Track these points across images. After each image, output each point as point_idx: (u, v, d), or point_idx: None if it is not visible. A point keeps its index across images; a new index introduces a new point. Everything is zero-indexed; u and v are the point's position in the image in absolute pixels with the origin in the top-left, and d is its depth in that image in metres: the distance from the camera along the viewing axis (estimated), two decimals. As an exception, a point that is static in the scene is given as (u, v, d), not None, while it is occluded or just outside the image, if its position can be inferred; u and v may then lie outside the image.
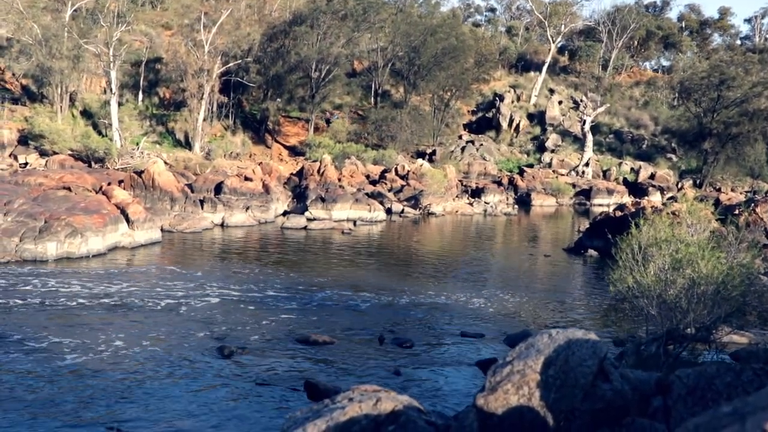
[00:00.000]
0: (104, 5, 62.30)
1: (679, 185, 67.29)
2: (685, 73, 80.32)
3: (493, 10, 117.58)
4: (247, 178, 42.61)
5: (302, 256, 32.07)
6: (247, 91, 68.33)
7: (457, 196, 54.08)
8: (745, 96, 65.95)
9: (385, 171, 56.00)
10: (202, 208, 38.83)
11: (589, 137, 68.97)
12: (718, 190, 65.58)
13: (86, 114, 60.18)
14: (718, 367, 8.60)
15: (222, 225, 38.60)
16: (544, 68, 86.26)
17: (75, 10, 61.86)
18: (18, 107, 58.23)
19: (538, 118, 79.69)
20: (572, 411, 7.47)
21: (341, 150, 58.66)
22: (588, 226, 38.40)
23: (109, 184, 37.14)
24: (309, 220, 41.07)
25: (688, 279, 14.13)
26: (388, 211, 46.83)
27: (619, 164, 71.80)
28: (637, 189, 64.49)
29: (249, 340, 18.21)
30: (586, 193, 62.06)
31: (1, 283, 22.95)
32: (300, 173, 49.08)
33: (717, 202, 42.12)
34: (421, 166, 53.87)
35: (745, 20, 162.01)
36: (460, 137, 74.56)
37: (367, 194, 46.96)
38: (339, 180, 47.31)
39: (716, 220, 22.19)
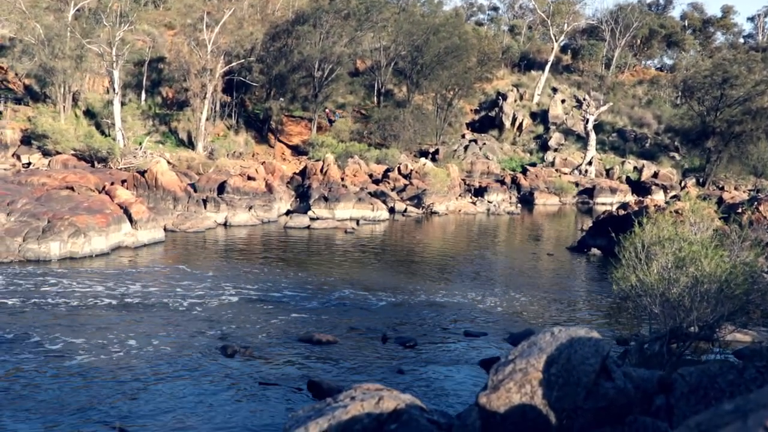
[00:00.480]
0: (107, 5, 62.33)
1: (683, 184, 67.22)
2: (688, 72, 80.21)
3: (495, 8, 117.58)
4: (250, 178, 42.63)
5: (305, 256, 32.07)
6: (250, 91, 68.35)
7: (460, 195, 54.07)
8: (748, 94, 65.89)
9: (388, 170, 56.00)
10: (205, 207, 38.85)
11: (592, 136, 68.92)
12: (722, 188, 65.52)
13: (89, 114, 60.23)
14: (721, 366, 8.60)
15: (225, 224, 38.62)
16: (547, 67, 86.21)
17: (78, 10, 61.91)
18: (21, 107, 58.31)
19: (541, 116, 79.65)
20: (575, 409, 7.47)
21: (344, 149, 58.67)
22: (591, 224, 38.38)
23: (112, 183, 37.18)
24: (312, 219, 41.07)
25: (692, 277, 14.13)
26: (391, 211, 46.84)
27: (622, 163, 71.74)
28: (640, 188, 64.43)
29: (252, 340, 18.22)
30: (589, 192, 62.03)
31: (5, 283, 22.98)
32: (303, 172, 49.09)
33: (720, 201, 42.06)
34: (424, 165, 53.87)
35: (748, 18, 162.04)
36: (463, 136, 74.57)
37: (370, 193, 46.98)
38: (342, 179, 47.31)
39: (719, 218, 22.17)
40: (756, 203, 33.10)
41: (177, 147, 59.15)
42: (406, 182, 52.45)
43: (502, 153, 72.56)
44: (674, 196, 49.84)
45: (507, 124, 78.01)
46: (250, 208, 40.45)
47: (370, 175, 54.46)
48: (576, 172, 67.62)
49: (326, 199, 42.96)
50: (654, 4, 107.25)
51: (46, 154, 52.53)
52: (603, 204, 58.42)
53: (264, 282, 25.34)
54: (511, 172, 65.00)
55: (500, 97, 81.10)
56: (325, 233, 38.32)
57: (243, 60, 62.36)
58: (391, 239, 38.37)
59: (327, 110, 70.16)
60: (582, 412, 7.48)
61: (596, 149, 70.10)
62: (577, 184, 63.13)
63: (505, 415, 7.20)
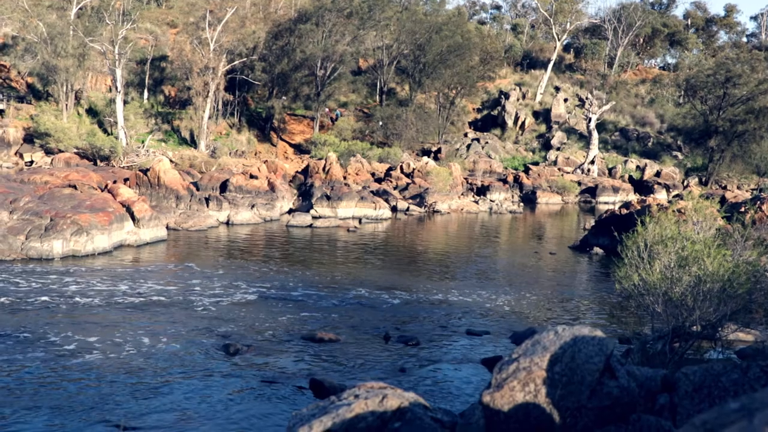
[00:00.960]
0: (109, 3, 62.47)
1: (685, 183, 67.22)
2: (691, 71, 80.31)
3: (498, 7, 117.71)
4: (252, 176, 42.64)
5: (307, 254, 32.07)
6: (252, 89, 68.43)
7: (462, 194, 54.08)
8: (751, 93, 65.87)
9: (390, 169, 56.04)
10: (208, 206, 38.87)
11: (595, 135, 68.90)
12: (724, 187, 65.52)
13: (92, 112, 60.31)
14: (725, 365, 8.59)
15: (227, 223, 38.65)
16: (550, 66, 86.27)
17: (80, 8, 62.01)
18: (23, 105, 58.39)
19: (543, 115, 79.68)
20: (578, 408, 7.46)
21: (346, 148, 58.74)
22: (593, 223, 38.35)
23: (114, 182, 37.22)
24: (314, 218, 41.10)
25: (694, 277, 14.11)
26: (394, 209, 46.88)
27: (625, 162, 71.73)
28: (642, 187, 64.40)
29: (255, 338, 18.22)
30: (592, 191, 62.00)
31: (8, 281, 23.00)
32: (305, 171, 49.10)
33: (723, 200, 42.03)
34: (426, 164, 53.91)
35: (751, 18, 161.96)
36: (466, 135, 74.63)
37: (372, 192, 47.01)
38: (344, 178, 47.31)
39: (722, 217, 22.11)
40: (759, 202, 33.04)
41: (179, 145, 59.21)
42: (409, 181, 52.49)
43: (504, 152, 72.59)
44: (677, 195, 49.73)
45: (509, 122, 78.05)
46: (253, 206, 40.46)
47: (373, 174, 54.50)
48: (578, 171, 67.62)
49: (328, 198, 42.98)
50: (657, 3, 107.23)
51: (48, 152, 52.59)
52: (605, 203, 58.44)
53: (266, 280, 25.35)
54: (514, 171, 65.01)
55: (503, 96, 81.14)
56: (327, 232, 38.33)
57: (245, 58, 62.42)
58: (394, 238, 38.37)
59: (327, 110, 70.17)
60: (586, 411, 7.47)
61: (599, 148, 70.09)
62: (579, 183, 63.11)
63: (508, 413, 7.20)
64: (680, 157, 74.98)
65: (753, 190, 64.37)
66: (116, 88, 56.83)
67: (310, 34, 63.08)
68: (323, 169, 46.41)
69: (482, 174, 63.57)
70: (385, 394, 7.37)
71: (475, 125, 79.73)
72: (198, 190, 40.60)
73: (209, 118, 59.87)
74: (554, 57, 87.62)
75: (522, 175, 62.31)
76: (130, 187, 36.70)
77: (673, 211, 26.79)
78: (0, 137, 53.46)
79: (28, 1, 58.69)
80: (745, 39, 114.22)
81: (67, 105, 57.55)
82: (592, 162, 68.17)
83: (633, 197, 56.01)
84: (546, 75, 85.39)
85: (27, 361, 15.72)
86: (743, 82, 66.37)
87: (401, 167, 55.16)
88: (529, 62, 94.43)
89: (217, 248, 32.35)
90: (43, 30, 55.84)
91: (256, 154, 61.29)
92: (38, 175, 38.26)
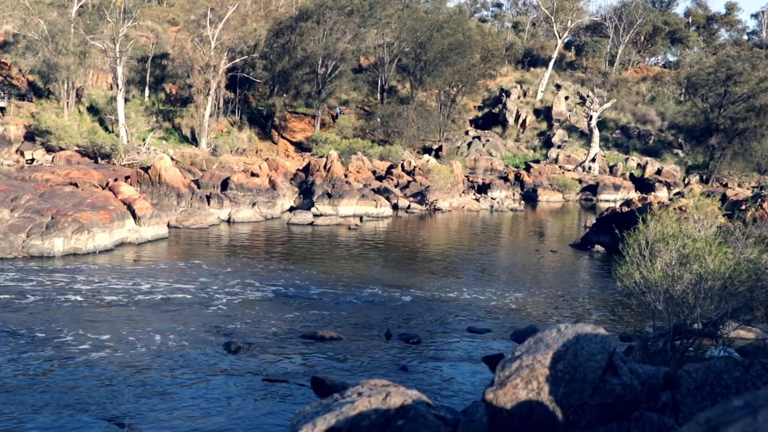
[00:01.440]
0: (110, 1, 62.43)
1: (686, 181, 67.21)
2: (692, 69, 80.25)
3: (499, 5, 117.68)
4: (253, 174, 42.64)
5: (309, 252, 32.08)
6: (253, 87, 68.45)
7: (463, 192, 54.09)
8: (752, 91, 65.86)
9: (391, 167, 56.05)
10: (209, 203, 38.87)
11: (596, 133, 68.90)
12: (725, 185, 65.49)
13: (93, 110, 60.33)
14: (727, 362, 8.60)
15: (228, 221, 38.66)
16: (551, 64, 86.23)
17: (81, 6, 62.00)
18: (24, 103, 58.42)
19: (544, 113, 79.67)
20: (581, 405, 7.47)
21: (347, 146, 58.74)
22: (594, 221, 38.36)
23: (115, 180, 37.25)
24: (315, 215, 41.10)
25: (695, 274, 14.12)
26: (395, 207, 46.89)
27: (626, 160, 71.74)
28: (643, 184, 64.37)
29: (256, 336, 18.23)
30: (593, 189, 61.98)
31: (10, 279, 23.02)
32: (306, 169, 49.09)
33: (724, 198, 42.03)
34: (427, 161, 53.90)
35: (752, 15, 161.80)
36: (467, 133, 74.64)
37: (373, 190, 47.00)
38: (345, 176, 47.31)
39: (723, 215, 22.12)
40: (760, 200, 33.04)
41: (180, 143, 59.23)
42: (410, 179, 52.49)
43: (505, 150, 72.60)
44: (678, 193, 49.75)
45: (510, 120, 78.04)
46: (254, 204, 40.48)
47: (374, 172, 54.50)
48: (579, 168, 67.61)
49: (329, 196, 42.97)
50: (658, 1, 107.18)
51: (49, 150, 52.62)
52: (606, 201, 58.43)
53: (267, 278, 25.36)
54: (515, 169, 64.99)
55: (504, 94, 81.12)
56: (328, 230, 38.35)
57: (246, 56, 62.43)
58: (395, 236, 38.37)
59: (327, 108, 70.16)
60: (588, 409, 7.48)
61: (600, 146, 70.09)
62: (580, 181, 63.09)
63: (511, 411, 7.21)
64: (681, 154, 74.97)
65: (754, 187, 64.31)
66: (117, 85, 56.85)
67: (311, 31, 63.06)
68: (324, 167, 46.39)
69: (483, 172, 63.60)
70: (388, 391, 7.38)
71: (476, 123, 79.73)
72: (199, 188, 40.60)
73: (210, 116, 59.89)
74: (555, 55, 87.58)
75: (523, 173, 62.28)
76: (131, 185, 36.72)
77: (674, 208, 26.80)
78: (1, 135, 53.48)
79: (29, -1, 58.73)
80: (745, 37, 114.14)
81: (68, 103, 57.57)
82: (593, 160, 68.16)
83: (634, 195, 56.03)
84: (547, 73, 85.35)
85: (29, 359, 15.73)
86: (744, 80, 66.36)
87: (402, 165, 55.17)
88: (530, 60, 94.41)
89: (218, 246, 32.36)
90: (44, 28, 55.85)
91: (257, 152, 61.31)
92: (39, 173, 38.30)
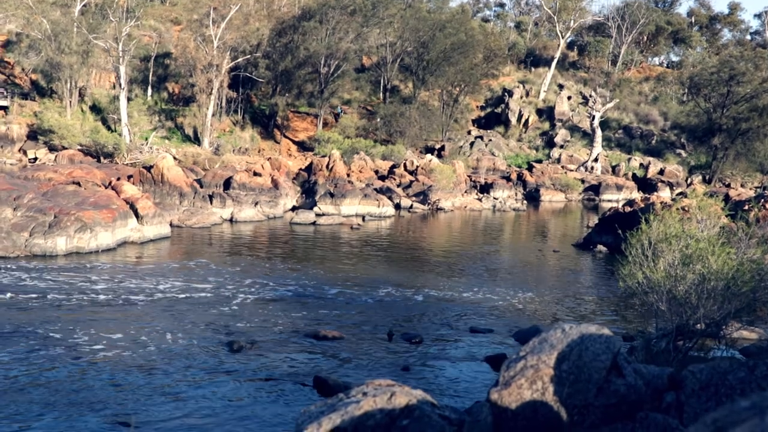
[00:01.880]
0: (113, 0, 62.44)
1: (689, 181, 67.18)
2: (695, 69, 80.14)
3: (502, 5, 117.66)
4: (256, 174, 42.64)
5: (311, 252, 32.09)
6: (255, 87, 68.48)
7: (465, 192, 54.10)
8: (754, 91, 65.81)
9: (393, 166, 56.06)
10: (211, 203, 38.89)
11: (598, 133, 68.85)
12: (728, 185, 65.40)
13: (95, 109, 60.38)
14: (731, 363, 8.59)
15: (231, 220, 38.66)
16: (553, 64, 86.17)
17: (84, 5, 62.04)
18: (27, 102, 58.50)
19: (547, 113, 79.64)
20: (586, 406, 7.47)
21: (350, 145, 58.73)
22: (597, 221, 38.34)
23: (118, 179, 37.27)
24: (318, 215, 41.08)
25: (698, 275, 14.12)
26: (397, 207, 46.89)
27: (629, 160, 71.72)
28: (646, 184, 64.36)
29: (258, 335, 18.23)
30: (595, 189, 61.95)
31: (12, 278, 23.03)
32: (309, 168, 49.08)
33: (727, 198, 41.97)
34: (429, 161, 53.90)
35: (755, 15, 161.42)
36: (469, 133, 74.63)
37: (375, 190, 46.99)
38: (348, 175, 47.29)
39: (726, 215, 22.10)
40: (763, 200, 32.99)
41: (183, 143, 59.27)
42: (412, 178, 52.50)
43: (507, 149, 72.58)
44: (680, 193, 49.72)
45: (513, 120, 78.02)
46: (256, 203, 40.48)
47: (376, 172, 54.52)
48: (582, 168, 67.59)
49: (332, 195, 42.97)
50: (661, 1, 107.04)
51: (52, 149, 52.67)
52: (609, 201, 58.39)
53: (270, 278, 25.37)
54: (517, 169, 64.94)
55: (506, 94, 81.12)
56: (330, 229, 38.35)
57: (249, 56, 62.48)
58: (397, 235, 38.37)
59: (329, 107, 70.17)
60: (593, 409, 7.48)
61: (602, 146, 70.05)
62: (583, 181, 63.07)
63: (516, 411, 7.21)
64: (684, 155, 74.93)
65: (757, 188, 64.28)
66: (120, 85, 56.90)
67: (313, 31, 63.07)
68: (327, 166, 46.38)
69: (486, 172, 63.62)
70: (393, 391, 7.38)
71: (479, 123, 79.73)
72: (201, 187, 40.60)
73: (213, 115, 59.93)
74: (558, 55, 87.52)
75: (525, 172, 62.23)
76: (133, 184, 36.73)
77: (677, 209, 26.81)
78: (4, 134, 53.54)
79: (32, -2, 58.76)
80: (748, 37, 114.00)
81: (70, 102, 57.63)
82: (596, 160, 68.13)
83: (636, 195, 56.00)
84: (549, 73, 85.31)
85: (31, 359, 15.74)
86: (747, 80, 66.31)
87: (405, 165, 55.18)
88: (533, 60, 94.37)
89: (220, 246, 32.37)
90: (47, 27, 55.88)
91: (259, 152, 61.33)
92: (42, 171, 38.34)
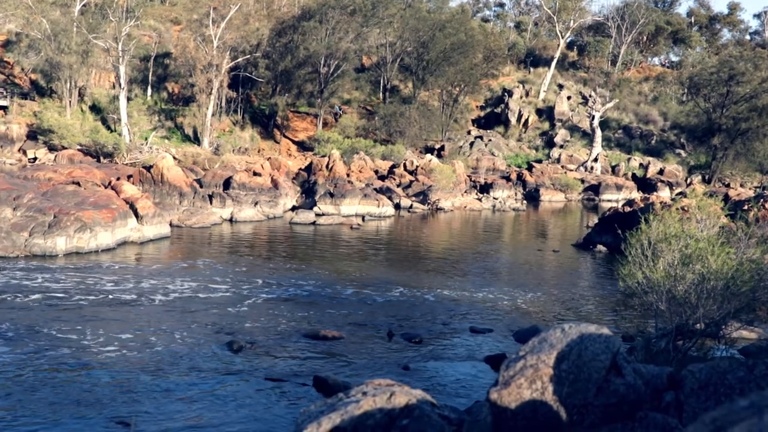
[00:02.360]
0: (113, 0, 62.41)
1: (688, 181, 67.17)
2: (695, 69, 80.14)
3: (502, 5, 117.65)
4: (255, 174, 42.64)
5: (311, 252, 32.10)
6: (255, 87, 68.48)
7: (465, 192, 54.10)
8: (754, 91, 65.79)
9: (393, 166, 56.06)
10: (211, 203, 38.89)
11: (598, 133, 68.85)
12: (727, 185, 65.37)
13: (95, 109, 60.37)
14: (730, 362, 8.60)
15: (231, 220, 38.66)
16: (553, 64, 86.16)
17: (84, 5, 62.03)
18: (27, 102, 58.49)
19: (546, 113, 79.63)
20: (585, 405, 7.48)
21: (350, 145, 58.72)
22: (597, 221, 38.35)
23: (118, 179, 37.26)
24: (317, 215, 41.08)
25: (698, 274, 14.12)
26: (397, 207, 46.88)
27: (628, 160, 71.73)
28: (646, 184, 64.34)
29: (258, 335, 18.25)
30: (595, 189, 61.94)
31: (12, 278, 23.04)
32: (308, 168, 49.07)
33: (726, 198, 41.96)
34: (429, 161, 53.90)
35: (755, 16, 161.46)
36: (469, 133, 74.62)
37: (375, 189, 46.98)
38: (347, 175, 47.27)
39: (726, 215, 22.10)
40: (762, 200, 33.00)
41: (183, 142, 59.27)
42: (412, 178, 52.51)
43: (507, 149, 72.59)
44: (680, 193, 49.71)
45: (513, 120, 78.02)
46: (256, 203, 40.48)
47: (376, 172, 54.51)
48: (581, 168, 67.60)
49: (332, 195, 42.97)
50: (660, 1, 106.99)
51: (51, 149, 52.66)
52: (608, 201, 58.37)
53: (269, 278, 25.37)
54: (517, 169, 64.91)
55: (506, 94, 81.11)
56: (330, 229, 38.35)
57: (249, 56, 62.48)
58: (397, 235, 38.39)
59: (328, 107, 70.15)
60: (592, 408, 7.49)
61: (602, 146, 70.04)
62: (582, 181, 63.05)
63: (516, 410, 7.22)
64: (683, 154, 74.94)
65: (756, 187, 64.28)
66: (120, 85, 56.90)
67: (313, 31, 63.07)
68: (326, 166, 46.38)
69: (485, 172, 63.63)
70: (392, 391, 7.38)
71: (479, 123, 79.72)
72: (201, 187, 40.60)
73: (212, 115, 59.93)
74: (557, 55, 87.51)
75: (525, 172, 62.21)
76: (133, 184, 36.73)
77: (677, 208, 26.82)
78: (3, 134, 53.53)
79: (31, -2, 58.76)
80: (748, 37, 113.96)
81: (70, 102, 57.62)
82: (596, 160, 68.13)
83: (636, 195, 55.96)
84: (549, 73, 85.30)
85: (31, 359, 15.75)
86: (746, 80, 66.31)
87: (404, 165, 55.18)
88: (533, 60, 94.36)
89: (220, 246, 32.38)
90: (47, 27, 55.87)
91: (259, 152, 61.33)
92: (42, 171, 38.34)
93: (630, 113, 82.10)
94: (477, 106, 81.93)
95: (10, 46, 63.58)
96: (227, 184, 41.43)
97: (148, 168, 39.47)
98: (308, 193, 44.89)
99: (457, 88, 71.11)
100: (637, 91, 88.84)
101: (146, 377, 14.92)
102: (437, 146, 67.27)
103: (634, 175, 67.97)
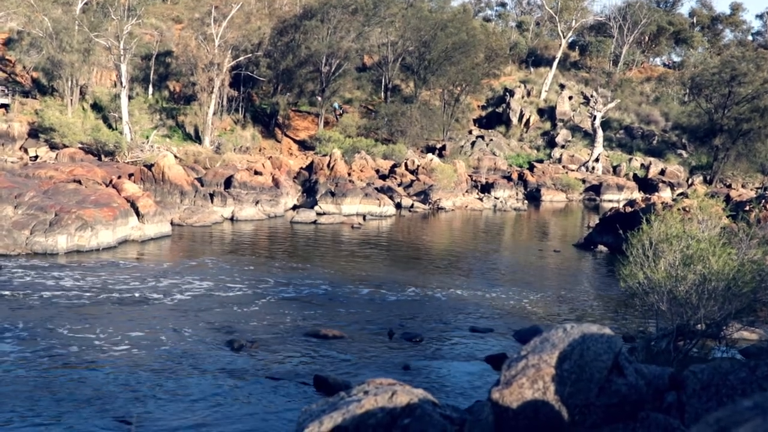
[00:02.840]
0: (115, -2, 62.35)
1: (690, 181, 67.10)
2: (696, 69, 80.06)
3: (503, 4, 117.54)
4: (256, 172, 42.65)
5: (312, 251, 32.10)
6: (257, 85, 68.43)
7: (466, 191, 54.06)
8: (756, 92, 65.69)
9: (394, 166, 56.01)
10: (212, 201, 38.89)
11: (600, 133, 68.79)
12: (729, 186, 65.32)
13: (96, 107, 60.32)
14: (732, 363, 8.59)
15: (231, 219, 38.66)
16: (555, 63, 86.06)
17: (85, 3, 61.97)
18: (28, 100, 58.41)
19: (548, 113, 79.55)
20: (587, 405, 7.47)
21: (351, 144, 58.64)
22: (598, 221, 38.33)
23: (119, 177, 37.26)
24: (318, 214, 41.07)
25: (699, 275, 14.12)
26: (398, 206, 46.86)
27: (630, 160, 71.63)
28: (647, 185, 64.28)
29: (259, 334, 18.25)
30: (596, 189, 61.89)
31: (13, 276, 23.04)
32: (310, 167, 49.06)
33: (728, 199, 41.95)
34: (431, 161, 53.87)
35: (757, 16, 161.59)
36: (470, 132, 74.53)
37: (376, 189, 46.94)
38: (349, 174, 47.26)
39: (727, 216, 22.10)
40: (764, 201, 32.98)
41: (184, 141, 59.23)
42: (413, 178, 52.47)
43: (509, 149, 72.52)
44: (681, 194, 49.68)
45: (514, 120, 77.94)
46: (257, 202, 40.48)
47: (377, 171, 54.46)
48: (583, 168, 67.55)
49: (333, 194, 42.96)
50: (662, 1, 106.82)
51: (53, 147, 52.62)
52: (610, 201, 58.34)
53: (270, 277, 25.37)
54: (518, 169, 64.87)
55: (507, 94, 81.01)
56: (331, 228, 38.35)
57: (250, 54, 62.44)
58: (398, 235, 38.38)
59: (329, 106, 70.08)
60: (594, 408, 7.48)
61: (603, 146, 69.96)
62: (584, 181, 63.00)
63: (517, 410, 7.21)
64: (685, 155, 74.86)
65: (758, 188, 64.21)
66: (121, 83, 56.86)
67: (315, 30, 63.01)
68: (328, 165, 46.37)
69: (487, 171, 63.57)
70: (394, 390, 7.38)
71: (480, 123, 79.64)
72: (202, 185, 40.61)
73: (214, 113, 59.87)
74: (559, 54, 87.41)
75: (526, 172, 62.19)
76: (134, 182, 36.75)
77: (678, 209, 26.80)
78: (5, 132, 53.51)
79: (33, -4, 58.73)
80: (750, 37, 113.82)
81: (71, 100, 57.57)
82: (597, 160, 68.06)
83: (637, 195, 55.94)
84: (551, 72, 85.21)
85: (29, 357, 15.75)
86: (748, 81, 66.21)
87: (406, 164, 55.16)
88: (534, 60, 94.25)
89: (221, 244, 32.39)
90: (49, 25, 55.82)
91: (260, 150, 61.27)
92: (43, 170, 38.31)
93: (631, 113, 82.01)
94: (478, 106, 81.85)
95: (11, 44, 63.52)
96: (228, 182, 41.43)
97: (150, 166, 39.47)
98: (309, 192, 44.90)
99: (459, 88, 71.02)
100: (639, 91, 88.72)
101: (146, 375, 14.92)
102: (438, 146, 67.20)
103: (635, 175, 67.91)
